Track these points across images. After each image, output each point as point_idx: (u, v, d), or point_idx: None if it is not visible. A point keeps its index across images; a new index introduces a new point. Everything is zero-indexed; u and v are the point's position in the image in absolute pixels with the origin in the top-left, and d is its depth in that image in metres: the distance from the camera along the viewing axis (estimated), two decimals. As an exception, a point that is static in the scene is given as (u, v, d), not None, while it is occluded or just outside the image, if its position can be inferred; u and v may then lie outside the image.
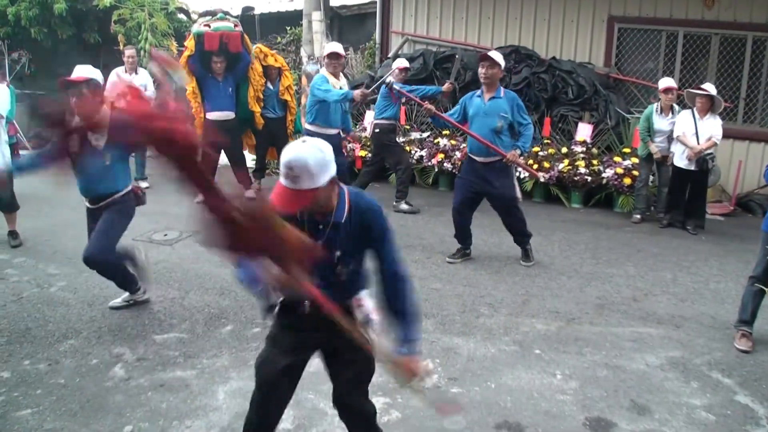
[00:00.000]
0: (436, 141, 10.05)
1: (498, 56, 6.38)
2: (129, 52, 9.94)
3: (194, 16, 12.25)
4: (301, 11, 12.97)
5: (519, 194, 6.72)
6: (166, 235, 7.64)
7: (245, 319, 5.48)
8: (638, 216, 8.66)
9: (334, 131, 7.96)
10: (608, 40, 10.37)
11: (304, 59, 12.38)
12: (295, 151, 2.67)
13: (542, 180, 9.22)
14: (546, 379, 4.56)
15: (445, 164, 9.80)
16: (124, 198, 5.28)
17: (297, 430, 3.97)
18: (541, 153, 9.41)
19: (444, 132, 10.08)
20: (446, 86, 8.30)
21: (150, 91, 9.98)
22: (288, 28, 13.49)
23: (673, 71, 9.83)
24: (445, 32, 11.34)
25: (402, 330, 2.98)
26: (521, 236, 6.85)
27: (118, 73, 9.82)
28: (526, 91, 10.02)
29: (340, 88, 7.75)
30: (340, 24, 14.01)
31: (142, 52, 11.78)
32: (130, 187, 5.34)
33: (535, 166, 9.27)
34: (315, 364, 4.68)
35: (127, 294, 5.67)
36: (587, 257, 7.15)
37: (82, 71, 5.03)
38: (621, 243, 7.73)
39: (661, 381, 4.56)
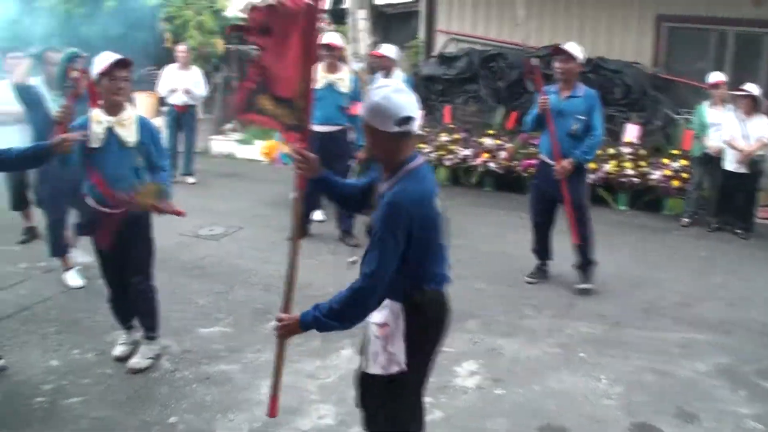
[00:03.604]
0: (480, 140, 10.00)
1: (574, 48, 5.84)
2: (181, 47, 10.06)
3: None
4: (346, 9, 13.02)
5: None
6: (212, 230, 7.73)
7: (289, 315, 5.52)
8: (687, 219, 8.50)
9: (333, 128, 7.20)
10: (656, 39, 10.21)
11: (349, 58, 12.42)
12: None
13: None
14: (590, 383, 4.52)
15: (489, 164, 9.74)
16: None
17: (339, 426, 3.99)
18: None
19: (489, 131, 10.04)
20: None
21: (202, 89, 10.09)
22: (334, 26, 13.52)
23: (723, 71, 9.63)
24: (491, 31, 11.27)
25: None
26: (584, 259, 6.15)
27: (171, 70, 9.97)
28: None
29: (330, 85, 7.12)
30: (384, 22, 14.01)
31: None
32: None
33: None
34: (357, 360, 4.71)
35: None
36: (634, 260, 7.06)
37: None
38: (668, 246, 7.62)
39: (709, 388, 4.50)
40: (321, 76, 7.02)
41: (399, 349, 2.89)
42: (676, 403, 4.29)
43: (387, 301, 2.88)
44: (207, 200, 9.03)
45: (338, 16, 12.19)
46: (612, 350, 5.01)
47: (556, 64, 5.94)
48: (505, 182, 9.83)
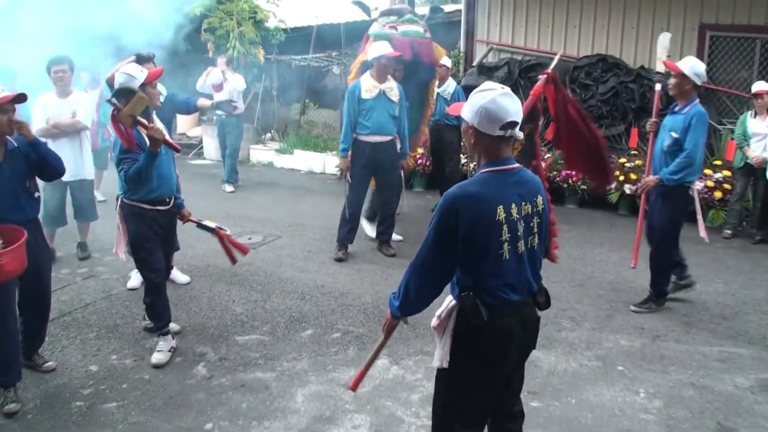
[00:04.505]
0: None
1: (685, 65, 5.59)
2: (221, 59, 10.28)
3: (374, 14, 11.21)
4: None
5: (704, 235, 6.04)
6: (250, 238, 7.80)
7: (325, 324, 5.54)
8: (729, 231, 8.35)
9: (384, 138, 7.06)
10: (699, 48, 10.03)
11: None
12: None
13: (628, 192, 9.04)
14: (629, 397, 4.45)
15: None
16: None
17: (374, 437, 3.99)
18: (627, 164, 9.21)
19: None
20: None
21: (242, 84, 10.26)
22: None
23: (767, 81, 9.45)
24: (531, 41, 11.21)
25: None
26: (655, 287, 6.00)
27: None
28: (613, 101, 9.85)
29: (382, 93, 6.91)
30: (424, 32, 14.03)
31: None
32: None
33: (622, 178, 9.09)
34: (393, 370, 4.72)
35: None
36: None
37: None
38: (710, 259, 7.47)
39: (751, 404, 4.39)
40: (373, 85, 6.93)
41: (446, 345, 2.88)
42: (716, 419, 4.20)
43: (449, 296, 2.93)
44: (246, 209, 9.12)
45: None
46: (651, 364, 4.93)
47: (669, 80, 5.81)
48: (544, 192, 9.75)
